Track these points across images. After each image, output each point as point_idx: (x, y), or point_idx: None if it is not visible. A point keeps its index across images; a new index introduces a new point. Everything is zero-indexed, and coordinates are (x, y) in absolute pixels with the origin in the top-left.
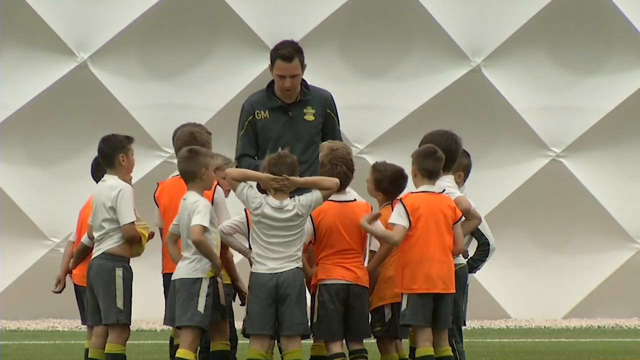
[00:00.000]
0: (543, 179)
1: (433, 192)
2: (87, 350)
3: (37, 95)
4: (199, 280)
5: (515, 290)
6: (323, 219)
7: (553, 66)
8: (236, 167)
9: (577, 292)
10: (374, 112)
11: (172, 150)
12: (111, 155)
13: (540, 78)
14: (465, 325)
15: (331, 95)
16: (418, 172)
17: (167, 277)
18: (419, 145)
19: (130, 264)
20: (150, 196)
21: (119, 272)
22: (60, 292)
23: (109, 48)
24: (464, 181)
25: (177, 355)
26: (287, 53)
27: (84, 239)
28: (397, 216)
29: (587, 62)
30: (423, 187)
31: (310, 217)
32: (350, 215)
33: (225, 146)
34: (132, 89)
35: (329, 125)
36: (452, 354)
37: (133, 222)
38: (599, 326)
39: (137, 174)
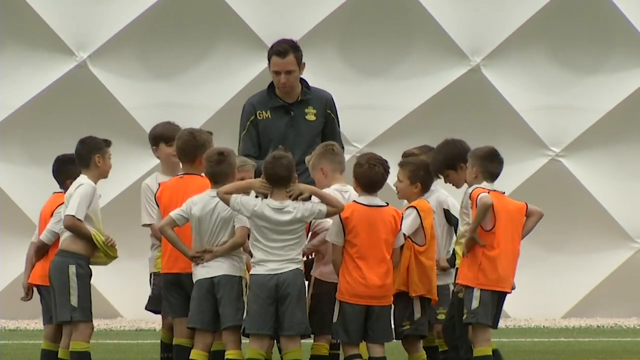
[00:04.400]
0: (542, 179)
1: (502, 192)
2: (43, 351)
3: (37, 94)
4: (242, 279)
5: (514, 290)
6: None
7: (552, 65)
8: None
9: (576, 291)
10: (373, 111)
11: None
12: (87, 156)
13: (540, 77)
14: None
15: (331, 97)
16: (480, 174)
17: (165, 276)
18: (434, 167)
19: (128, 263)
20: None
21: (72, 269)
22: (29, 299)
23: (109, 47)
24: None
25: (228, 357)
26: (282, 49)
27: (43, 236)
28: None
29: (586, 61)
30: (488, 186)
31: (340, 219)
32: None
33: (226, 145)
34: (132, 88)
35: (329, 126)
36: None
37: (74, 215)
38: (598, 326)
39: (136, 174)
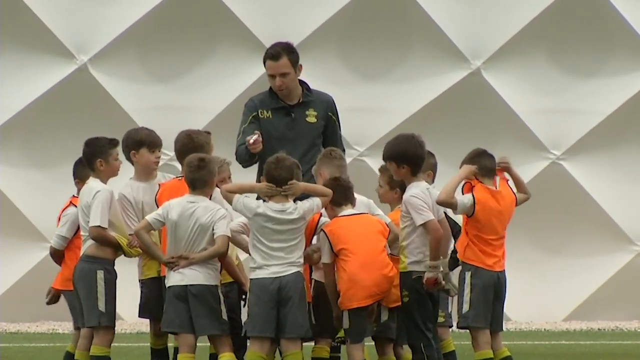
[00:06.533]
0: (543, 182)
1: (494, 189)
2: (67, 353)
3: (37, 97)
4: (217, 287)
5: (515, 293)
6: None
7: (553, 69)
8: (235, 153)
9: (577, 294)
10: (374, 114)
11: (172, 153)
12: (90, 160)
13: (540, 81)
14: (452, 326)
15: (333, 99)
16: (477, 172)
17: (164, 279)
18: (384, 151)
19: (128, 266)
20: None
21: (100, 274)
22: (50, 303)
23: (109, 51)
24: (433, 180)
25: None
26: (274, 52)
27: (53, 241)
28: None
29: (586, 64)
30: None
31: (326, 235)
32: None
33: (224, 148)
34: (132, 91)
35: (330, 128)
36: (510, 354)
37: (100, 226)
38: (599, 329)
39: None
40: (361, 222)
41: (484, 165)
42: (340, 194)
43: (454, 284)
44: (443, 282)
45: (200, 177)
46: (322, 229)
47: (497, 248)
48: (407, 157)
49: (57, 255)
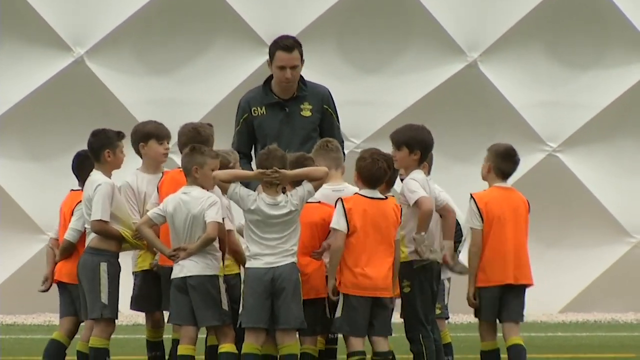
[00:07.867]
0: (539, 174)
1: (506, 187)
2: (51, 341)
3: (34, 90)
4: (217, 277)
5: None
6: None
7: (549, 61)
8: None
9: (573, 286)
10: (371, 107)
11: (169, 145)
12: (98, 151)
13: (537, 73)
14: (448, 318)
15: (329, 92)
16: (493, 170)
17: (163, 269)
18: (396, 136)
19: (125, 258)
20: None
21: (103, 266)
22: (46, 290)
23: (106, 43)
24: (429, 172)
25: (223, 350)
26: (288, 44)
27: (68, 235)
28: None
29: (583, 57)
30: (496, 184)
31: (344, 208)
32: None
33: (222, 140)
34: (129, 84)
35: (326, 121)
36: (522, 342)
37: (101, 219)
38: (595, 321)
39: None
40: (381, 209)
41: (499, 167)
42: (375, 178)
43: (463, 265)
44: (424, 255)
45: (182, 164)
46: (340, 198)
47: None
48: (422, 145)
49: (71, 249)
